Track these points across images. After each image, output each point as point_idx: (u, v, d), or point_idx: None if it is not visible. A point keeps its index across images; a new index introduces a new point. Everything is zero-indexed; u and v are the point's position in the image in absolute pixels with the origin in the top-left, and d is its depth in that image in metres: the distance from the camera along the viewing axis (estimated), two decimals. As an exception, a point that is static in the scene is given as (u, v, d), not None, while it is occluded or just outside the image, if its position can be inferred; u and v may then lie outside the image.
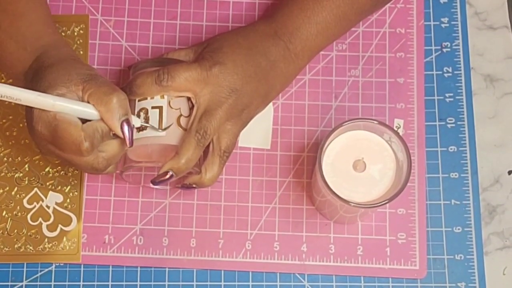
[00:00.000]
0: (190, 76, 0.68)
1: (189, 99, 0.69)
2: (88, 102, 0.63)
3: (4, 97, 0.60)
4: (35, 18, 0.70)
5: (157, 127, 0.68)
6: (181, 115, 0.69)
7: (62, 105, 0.62)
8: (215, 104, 0.67)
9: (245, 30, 0.72)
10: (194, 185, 0.70)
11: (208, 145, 0.69)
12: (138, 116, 0.68)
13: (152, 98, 0.68)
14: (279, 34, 0.71)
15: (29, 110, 0.63)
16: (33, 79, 0.66)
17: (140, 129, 0.68)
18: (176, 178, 0.68)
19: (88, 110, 0.63)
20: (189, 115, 0.69)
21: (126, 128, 0.63)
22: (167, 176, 0.67)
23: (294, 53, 0.71)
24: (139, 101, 0.69)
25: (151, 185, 0.71)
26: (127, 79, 0.77)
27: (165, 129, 0.68)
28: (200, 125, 0.67)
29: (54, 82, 0.63)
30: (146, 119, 0.68)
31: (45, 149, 0.66)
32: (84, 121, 0.63)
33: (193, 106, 0.69)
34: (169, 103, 0.68)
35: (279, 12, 0.73)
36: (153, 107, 0.68)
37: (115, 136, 0.65)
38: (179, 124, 0.68)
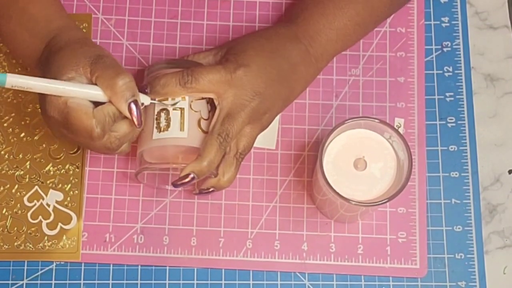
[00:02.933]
0: (214, 78, 0.67)
1: (208, 102, 0.69)
2: (96, 85, 0.64)
3: (15, 87, 0.61)
4: (46, 2, 0.70)
5: (179, 128, 0.68)
6: (201, 117, 0.69)
7: (72, 90, 0.63)
8: (238, 107, 0.67)
9: (267, 33, 0.72)
10: (212, 189, 0.70)
11: None
12: (159, 116, 0.68)
13: (173, 99, 0.68)
14: (300, 38, 0.71)
15: (42, 94, 0.64)
16: (44, 64, 0.66)
17: (161, 130, 0.68)
18: (197, 181, 0.67)
19: (98, 93, 0.64)
20: (208, 118, 0.69)
21: (134, 109, 0.64)
22: (189, 179, 0.66)
23: (314, 56, 0.72)
24: (160, 101, 0.68)
25: (167, 186, 0.71)
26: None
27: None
28: (222, 128, 0.67)
29: (63, 66, 0.64)
30: (168, 120, 0.68)
31: (58, 133, 0.67)
32: (96, 103, 0.64)
33: (211, 109, 0.69)
34: (190, 105, 0.68)
35: (299, 16, 0.73)
36: (174, 109, 0.68)
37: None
38: (199, 127, 0.68)
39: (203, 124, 0.69)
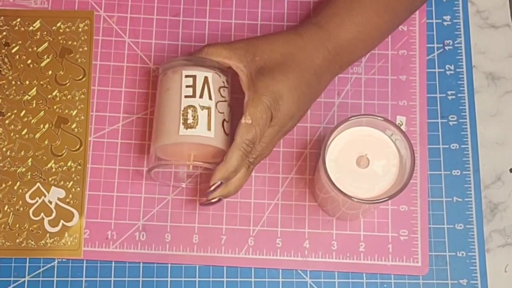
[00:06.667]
0: (261, 117, 0.68)
1: (229, 104, 0.70)
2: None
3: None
4: None
5: (206, 127, 0.68)
6: (224, 119, 0.69)
7: None
8: (275, 132, 0.70)
9: (293, 45, 0.70)
10: (220, 198, 0.70)
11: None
12: (186, 112, 0.68)
13: (201, 97, 0.68)
14: (328, 47, 0.71)
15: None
16: None
17: (188, 126, 0.67)
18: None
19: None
20: (230, 121, 0.70)
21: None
22: (217, 185, 0.68)
23: (339, 64, 0.72)
24: (186, 97, 0.68)
25: (181, 184, 0.72)
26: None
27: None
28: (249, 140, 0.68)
29: None
30: (195, 118, 0.68)
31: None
32: None
33: (232, 112, 0.70)
34: (216, 105, 0.68)
35: (330, 22, 0.71)
36: (201, 107, 0.68)
37: None
38: (223, 128, 0.69)
39: (226, 126, 0.69)
